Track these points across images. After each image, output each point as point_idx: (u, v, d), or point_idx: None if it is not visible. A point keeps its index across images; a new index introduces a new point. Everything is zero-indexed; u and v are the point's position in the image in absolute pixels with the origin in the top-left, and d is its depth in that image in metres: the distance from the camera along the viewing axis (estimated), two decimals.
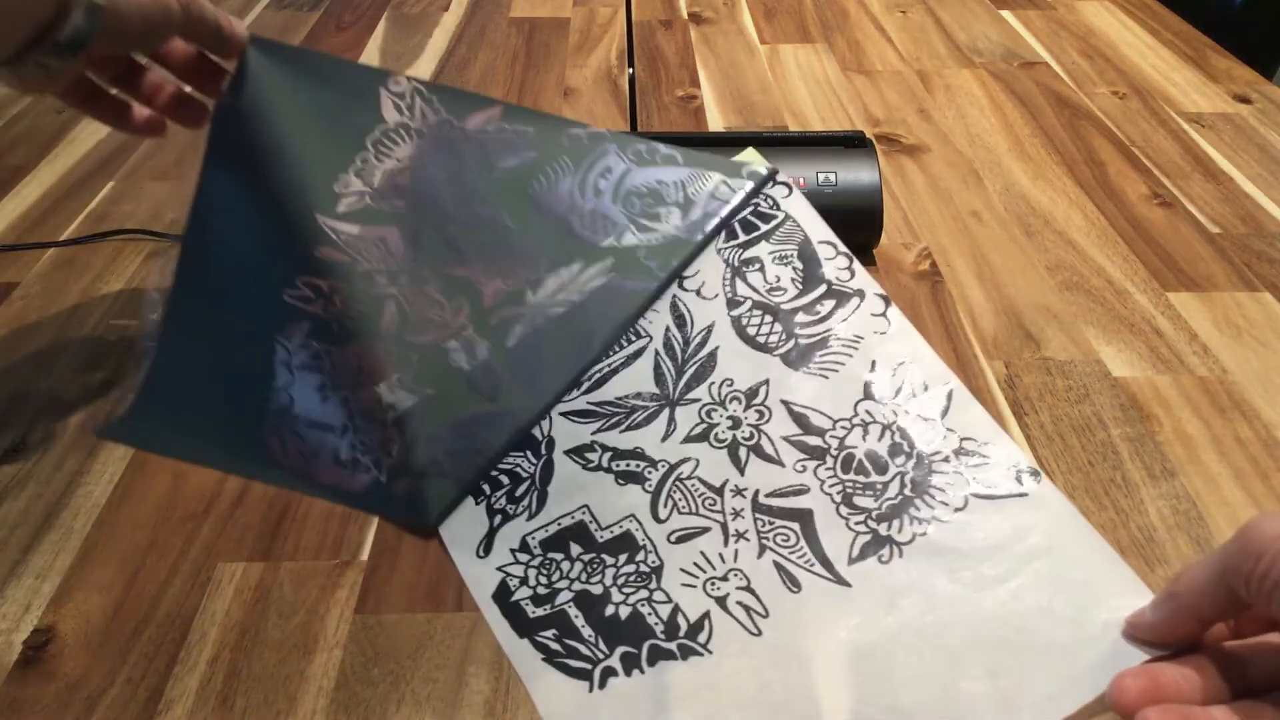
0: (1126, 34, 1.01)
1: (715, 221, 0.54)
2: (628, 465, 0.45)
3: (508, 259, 0.51)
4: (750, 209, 0.53)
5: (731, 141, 0.66)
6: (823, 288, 0.50)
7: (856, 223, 0.64)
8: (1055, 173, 0.76)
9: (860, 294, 0.50)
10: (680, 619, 0.41)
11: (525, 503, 0.44)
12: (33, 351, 0.58)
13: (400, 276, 0.48)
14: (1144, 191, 0.74)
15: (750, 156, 0.56)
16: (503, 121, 0.53)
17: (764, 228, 0.52)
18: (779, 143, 0.66)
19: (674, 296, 0.50)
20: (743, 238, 0.52)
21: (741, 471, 0.45)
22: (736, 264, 0.51)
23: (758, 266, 0.51)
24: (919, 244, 0.68)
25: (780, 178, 0.55)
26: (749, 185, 0.55)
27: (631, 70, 0.93)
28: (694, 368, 0.48)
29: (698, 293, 0.50)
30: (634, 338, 0.49)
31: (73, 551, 0.46)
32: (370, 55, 0.97)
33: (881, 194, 0.63)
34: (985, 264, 0.66)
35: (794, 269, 0.51)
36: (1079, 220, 0.71)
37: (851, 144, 0.65)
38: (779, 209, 0.53)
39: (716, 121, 0.84)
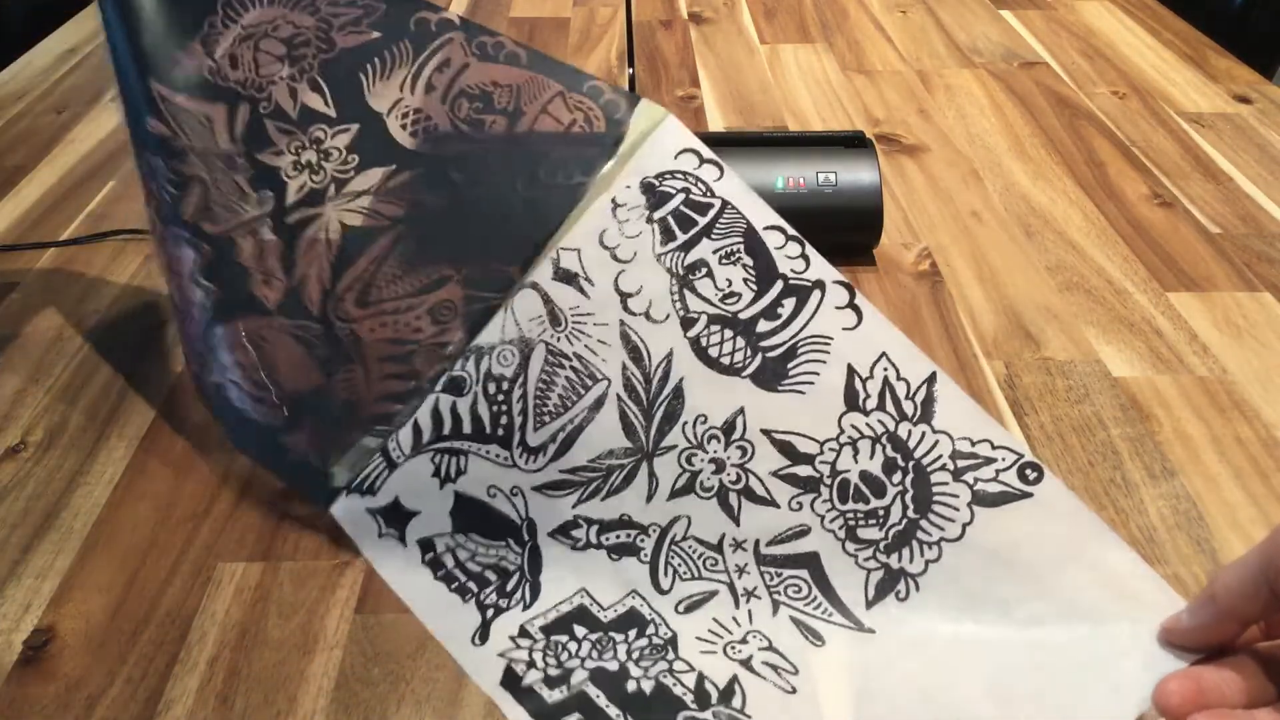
0: (1126, 34, 1.01)
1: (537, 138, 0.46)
2: (618, 537, 0.43)
3: (318, 149, 0.46)
4: (681, 196, 0.46)
5: (732, 141, 0.66)
6: (779, 285, 0.45)
7: (856, 223, 0.64)
8: (1055, 173, 0.76)
9: (820, 285, 0.44)
10: (709, 686, 0.39)
11: (518, 596, 0.42)
12: (33, 351, 0.58)
13: (214, 159, 0.45)
14: (1144, 191, 0.74)
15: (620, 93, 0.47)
16: None
17: (701, 221, 0.45)
18: (779, 143, 0.66)
19: (622, 323, 0.45)
20: (681, 237, 0.46)
21: (736, 521, 0.43)
22: (681, 272, 0.45)
23: (705, 271, 0.45)
24: (919, 244, 0.68)
25: (707, 155, 0.46)
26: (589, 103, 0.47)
27: (631, 70, 0.93)
28: (662, 409, 0.44)
29: (646, 315, 0.45)
30: (589, 381, 0.44)
31: (73, 551, 0.46)
32: None
33: (881, 194, 0.63)
34: (985, 264, 0.66)
35: (744, 267, 0.45)
36: (1079, 220, 0.71)
37: (851, 144, 0.65)
38: (714, 195, 0.46)
39: (717, 121, 0.84)
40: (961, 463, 0.42)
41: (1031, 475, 0.41)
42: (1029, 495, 0.41)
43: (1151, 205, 0.72)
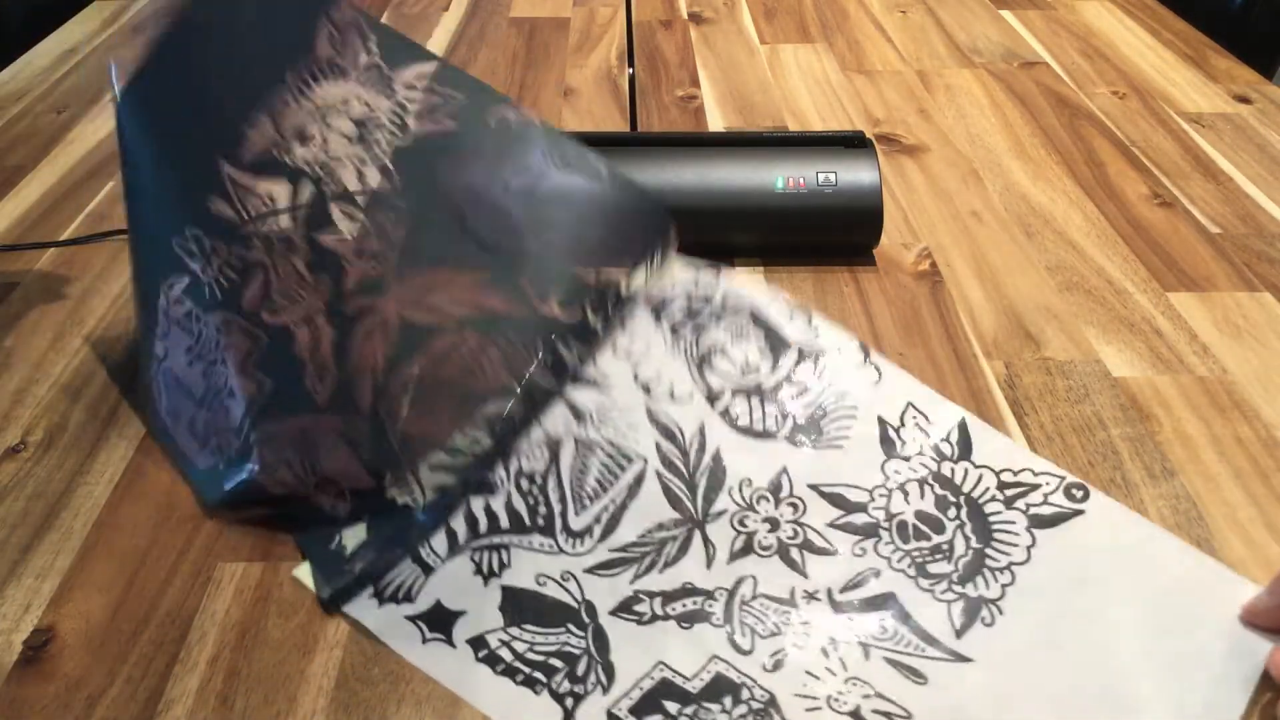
0: (1126, 34, 1.01)
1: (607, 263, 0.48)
2: (684, 605, 0.41)
3: (382, 239, 0.45)
4: (683, 298, 0.48)
5: (732, 142, 0.66)
6: (794, 353, 0.47)
7: (856, 223, 0.64)
8: (1055, 173, 0.76)
9: (836, 349, 0.47)
10: None
11: (592, 679, 0.39)
12: (33, 351, 0.58)
13: (274, 241, 0.44)
14: (1144, 191, 0.74)
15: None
16: (433, 82, 0.48)
17: (706, 309, 0.48)
18: (779, 143, 0.66)
19: (648, 408, 0.45)
20: (690, 325, 0.47)
21: (804, 574, 0.42)
22: (697, 357, 0.47)
23: (720, 352, 0.47)
24: (919, 244, 0.68)
25: (702, 262, 0.49)
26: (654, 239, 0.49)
27: (631, 70, 0.93)
28: (705, 479, 0.44)
29: (670, 396, 0.46)
30: (624, 462, 0.44)
31: (73, 551, 0.46)
32: None
33: (881, 194, 0.63)
34: (985, 264, 0.66)
35: (757, 342, 0.47)
36: (1079, 220, 0.71)
37: (851, 144, 0.65)
38: (715, 286, 0.49)
39: (717, 121, 0.84)
40: (1009, 492, 0.43)
41: (1079, 494, 0.43)
42: (1081, 512, 0.43)
43: (1151, 205, 0.72)
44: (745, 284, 0.49)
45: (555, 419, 0.46)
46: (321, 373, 0.44)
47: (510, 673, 0.39)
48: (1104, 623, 0.40)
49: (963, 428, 0.45)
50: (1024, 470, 0.44)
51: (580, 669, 0.39)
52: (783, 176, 0.63)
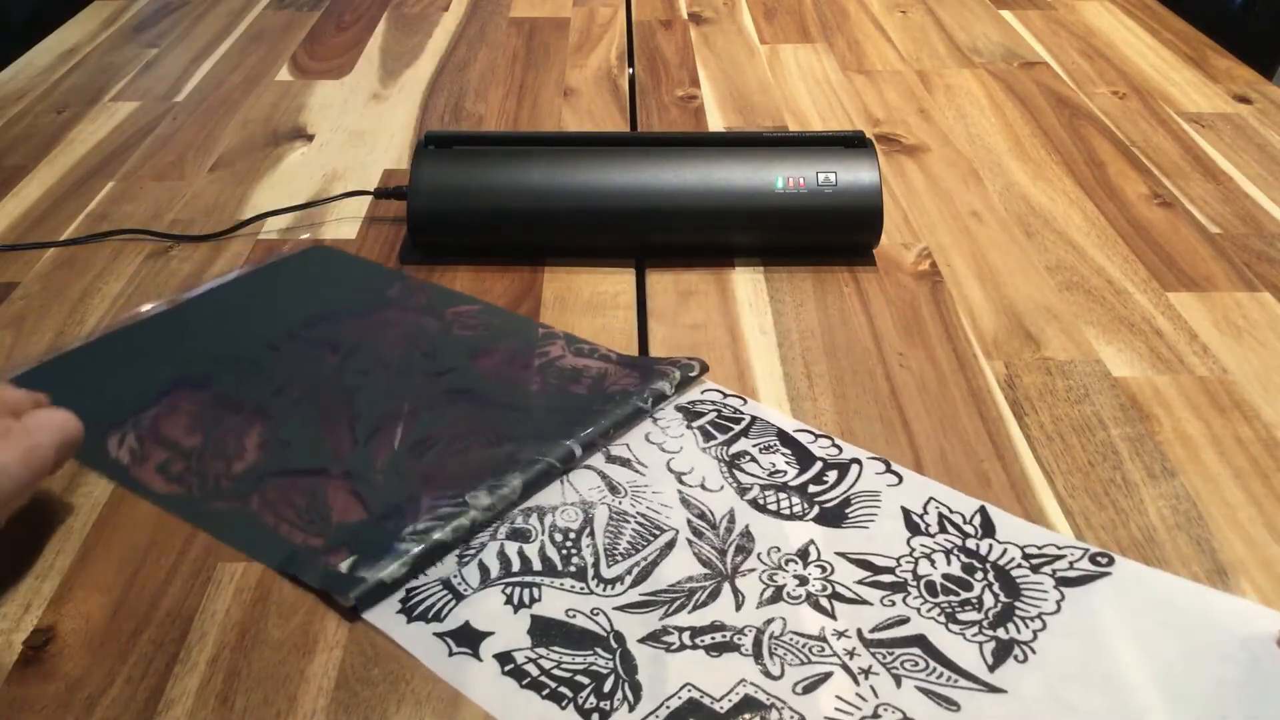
0: (1126, 34, 1.01)
1: (624, 394, 0.53)
2: (713, 638, 0.41)
3: (404, 395, 0.54)
4: (713, 414, 0.52)
5: (732, 141, 0.66)
6: (819, 464, 0.49)
7: (856, 223, 0.64)
8: (1055, 173, 0.76)
9: (857, 461, 0.50)
10: None
11: (619, 696, 0.39)
12: (33, 351, 0.58)
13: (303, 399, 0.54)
14: (1144, 191, 0.74)
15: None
16: (477, 312, 0.60)
17: (735, 428, 0.51)
18: (779, 143, 0.66)
19: (680, 492, 0.48)
20: (720, 437, 0.51)
21: (833, 616, 0.42)
22: (727, 459, 0.50)
23: (749, 458, 0.50)
24: (919, 244, 0.68)
25: (730, 392, 0.54)
26: (675, 375, 0.54)
27: (631, 70, 0.93)
28: (733, 547, 0.45)
29: (702, 486, 0.48)
30: (657, 532, 0.46)
31: (73, 551, 0.46)
32: (370, 55, 0.97)
33: (881, 194, 0.63)
34: (985, 264, 0.66)
35: (783, 455, 0.50)
36: (1079, 220, 0.71)
37: (851, 144, 0.65)
38: (742, 413, 0.53)
39: (716, 121, 0.84)
40: (1035, 560, 0.44)
41: (1103, 561, 0.44)
42: (1109, 574, 0.44)
43: (1151, 205, 0.72)
44: (768, 412, 0.53)
45: (590, 488, 0.49)
46: (337, 444, 0.51)
47: (536, 686, 0.40)
48: (1141, 662, 0.40)
49: (984, 513, 0.47)
50: (1048, 545, 0.45)
51: (607, 687, 0.39)
52: (783, 176, 0.63)
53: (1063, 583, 0.43)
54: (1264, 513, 0.48)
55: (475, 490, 0.47)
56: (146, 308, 0.61)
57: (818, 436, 0.51)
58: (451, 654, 0.41)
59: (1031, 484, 0.49)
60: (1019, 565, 0.44)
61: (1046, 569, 0.44)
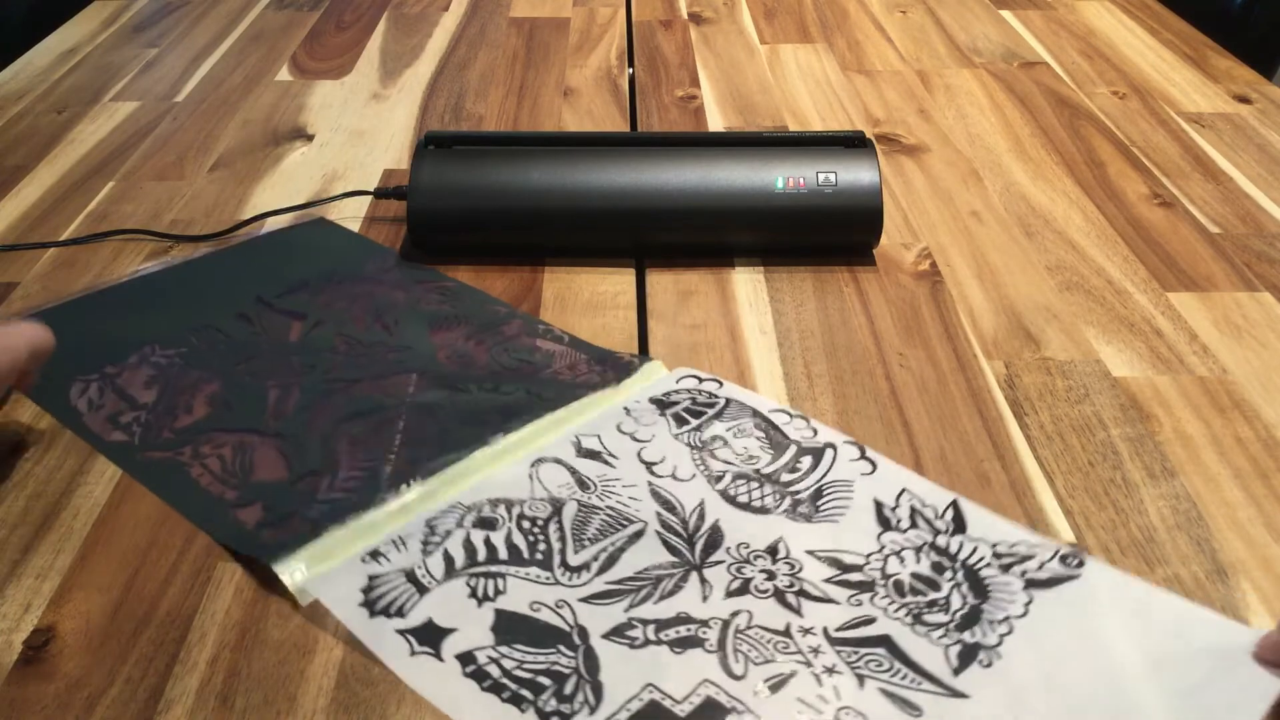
0: (1126, 34, 1.01)
1: (562, 385, 0.54)
2: (678, 632, 0.41)
3: (363, 355, 0.56)
4: (687, 400, 0.53)
5: (732, 141, 0.66)
6: (793, 449, 0.49)
7: (856, 223, 0.64)
8: (1055, 173, 0.76)
9: (831, 446, 0.49)
10: None
11: (580, 699, 0.39)
12: None
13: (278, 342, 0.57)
14: (1144, 191, 0.74)
15: (653, 370, 0.55)
16: (448, 288, 0.62)
17: (709, 412, 0.52)
18: (779, 143, 0.66)
19: (650, 484, 0.48)
20: (693, 422, 0.51)
21: (799, 613, 0.42)
22: (699, 445, 0.50)
23: (722, 443, 0.50)
24: (919, 244, 0.68)
25: (706, 376, 0.54)
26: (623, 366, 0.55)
27: (631, 70, 0.93)
28: (703, 539, 0.45)
29: (673, 476, 0.48)
30: (625, 523, 0.46)
31: (73, 551, 0.46)
32: (370, 55, 0.97)
33: (881, 194, 0.63)
34: (985, 264, 0.66)
35: (757, 439, 0.50)
36: (1079, 220, 0.71)
37: (851, 144, 0.65)
38: (716, 397, 0.53)
39: (716, 121, 0.84)
40: (1005, 560, 0.44)
41: (1073, 561, 0.44)
42: (1077, 576, 0.43)
43: (1151, 205, 0.72)
44: (743, 394, 0.53)
45: (559, 484, 0.49)
46: (279, 416, 0.52)
47: (497, 689, 0.39)
48: (1106, 669, 0.39)
49: (955, 507, 0.47)
50: (1019, 543, 0.45)
51: (568, 688, 0.39)
52: (783, 176, 0.63)
53: (1032, 584, 0.43)
54: (1264, 513, 0.48)
55: (384, 466, 0.49)
56: (148, 266, 0.64)
57: (793, 417, 0.51)
58: (414, 653, 0.41)
59: (1031, 484, 0.49)
60: (988, 565, 0.44)
61: (1016, 569, 0.44)
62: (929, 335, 0.59)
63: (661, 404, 0.53)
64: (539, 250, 0.66)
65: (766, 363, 0.57)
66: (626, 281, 0.64)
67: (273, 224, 0.70)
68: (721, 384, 0.53)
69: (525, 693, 0.39)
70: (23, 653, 0.41)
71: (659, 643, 0.41)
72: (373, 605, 0.43)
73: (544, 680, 0.39)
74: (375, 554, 0.45)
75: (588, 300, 0.62)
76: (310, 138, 0.81)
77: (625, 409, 0.53)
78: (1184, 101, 0.87)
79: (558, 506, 0.47)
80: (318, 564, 0.44)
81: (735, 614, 0.42)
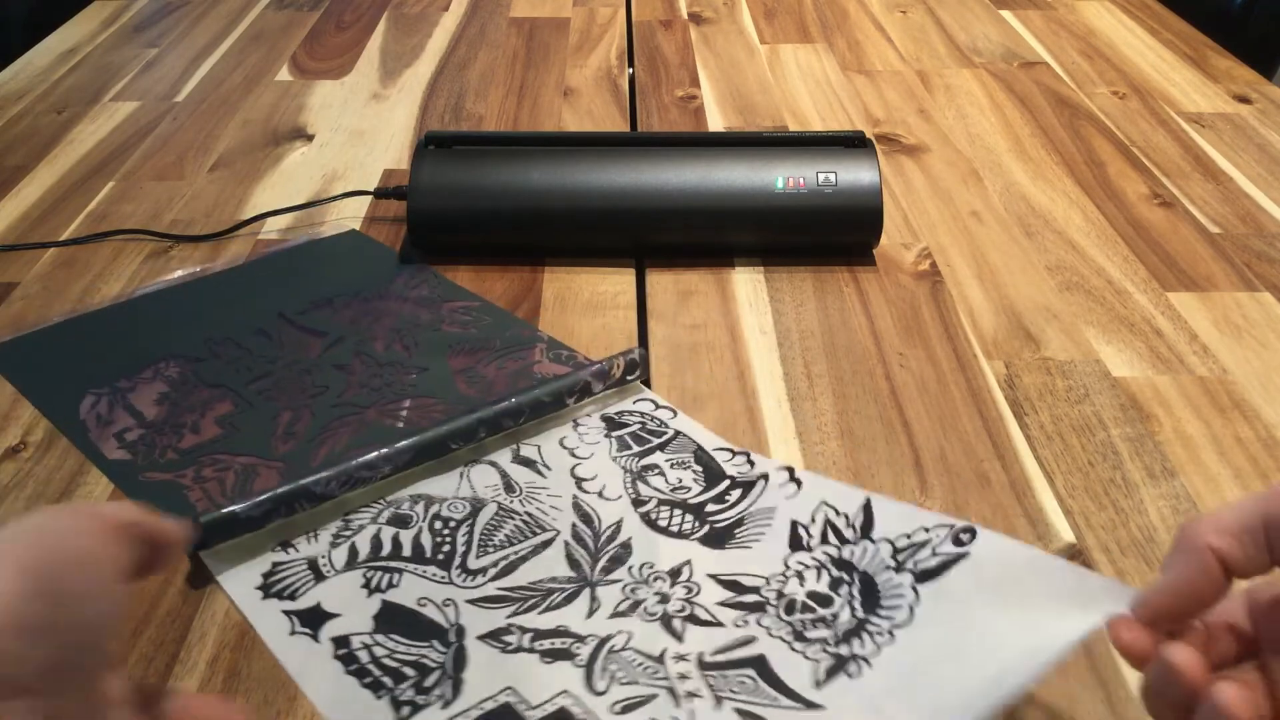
0: (1126, 34, 1.01)
1: (545, 380, 0.53)
2: (552, 644, 0.41)
3: (376, 374, 0.56)
4: (638, 425, 0.52)
5: (732, 141, 0.66)
6: (726, 482, 0.49)
7: (856, 223, 0.64)
8: (1055, 173, 0.76)
9: (765, 477, 0.49)
10: None
11: (438, 692, 0.39)
12: None
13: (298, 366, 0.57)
14: (1144, 191, 0.74)
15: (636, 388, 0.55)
16: (474, 309, 0.61)
17: (655, 441, 0.51)
18: (779, 143, 0.66)
19: (575, 497, 0.48)
20: (635, 448, 0.51)
21: (680, 639, 0.41)
22: (635, 470, 0.49)
23: (657, 471, 0.49)
24: (919, 244, 0.68)
25: (663, 403, 0.53)
26: (610, 369, 0.54)
27: (631, 70, 0.93)
28: (608, 554, 0.45)
29: (600, 495, 0.48)
30: (538, 530, 0.46)
31: None
32: (370, 55, 0.97)
33: (881, 194, 0.63)
34: (985, 264, 0.66)
35: (694, 471, 0.49)
36: (1079, 220, 0.71)
37: (851, 144, 0.65)
38: (666, 427, 0.52)
39: (716, 121, 0.84)
40: (901, 556, 0.43)
41: (965, 538, 0.42)
42: (965, 555, 0.41)
43: (1151, 205, 0.72)
44: (693, 428, 0.52)
45: (486, 485, 0.49)
46: (292, 435, 0.52)
47: (360, 674, 0.40)
48: (977, 662, 0.38)
49: (866, 508, 0.46)
50: (917, 530, 0.44)
51: (430, 681, 0.40)
52: (783, 176, 0.63)
53: (920, 578, 0.42)
54: None
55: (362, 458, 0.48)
56: (177, 274, 0.64)
57: (735, 454, 0.50)
58: (293, 633, 0.42)
59: (1031, 484, 0.49)
60: (886, 567, 0.43)
61: (910, 562, 0.43)
62: (929, 335, 0.59)
63: (611, 423, 0.52)
64: (539, 250, 0.66)
65: (766, 363, 0.57)
66: (626, 281, 0.64)
67: (307, 234, 0.70)
68: (675, 414, 0.53)
69: (387, 680, 0.40)
70: None
71: (531, 650, 0.41)
72: (268, 589, 0.44)
73: (408, 671, 0.40)
74: (286, 544, 0.46)
75: (588, 300, 0.62)
76: (310, 138, 0.81)
77: (574, 422, 0.52)
78: (1184, 101, 0.87)
79: (476, 508, 0.48)
80: (235, 554, 0.45)
81: (615, 634, 0.42)
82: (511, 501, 0.48)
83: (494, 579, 0.44)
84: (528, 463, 0.50)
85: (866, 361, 0.57)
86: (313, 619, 0.42)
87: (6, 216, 0.71)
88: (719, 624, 0.42)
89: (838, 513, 0.46)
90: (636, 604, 0.43)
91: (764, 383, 0.56)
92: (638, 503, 0.48)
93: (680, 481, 0.49)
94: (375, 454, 0.48)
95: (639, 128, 0.83)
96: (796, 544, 0.45)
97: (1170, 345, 0.59)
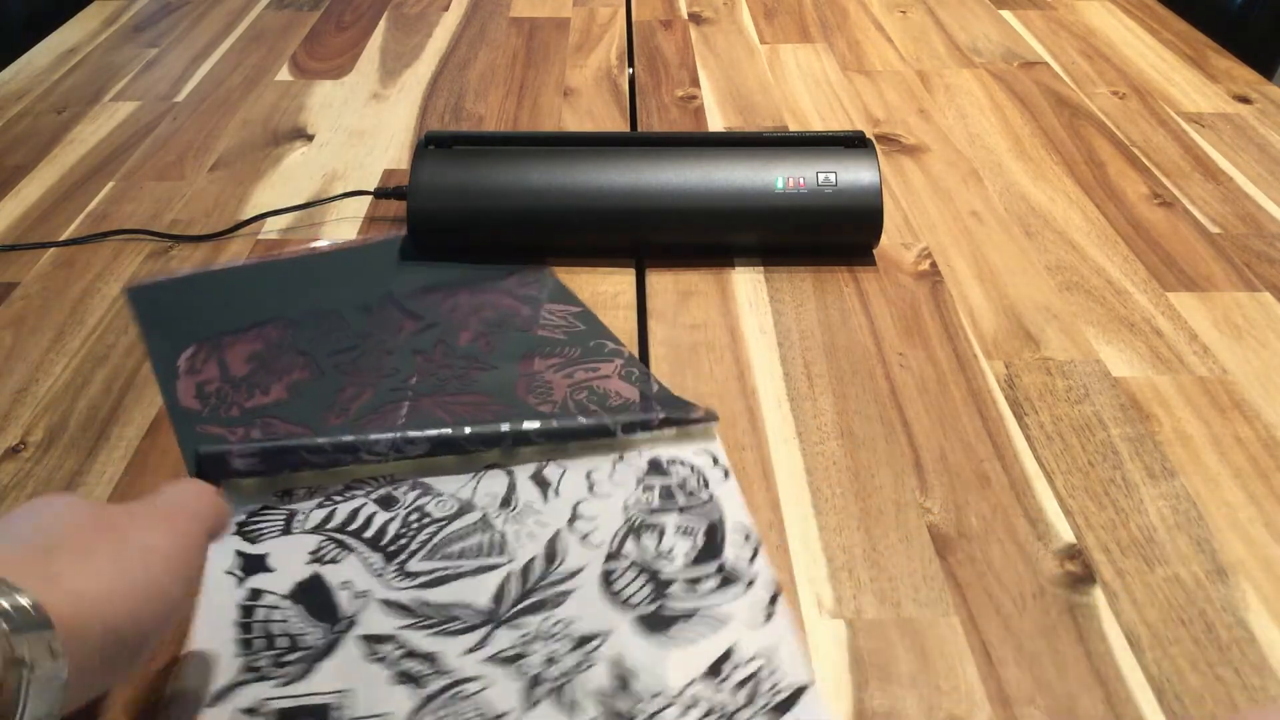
0: (1126, 34, 1.01)
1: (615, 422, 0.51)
2: (415, 668, 0.40)
3: (446, 365, 0.56)
4: (678, 478, 0.49)
5: (732, 141, 0.66)
6: (714, 566, 0.45)
7: (856, 223, 0.64)
8: (1055, 173, 0.76)
9: (750, 581, 0.44)
10: None
11: (288, 671, 0.40)
12: (33, 351, 0.58)
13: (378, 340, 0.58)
14: (1144, 191, 0.74)
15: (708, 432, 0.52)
16: (571, 314, 0.60)
17: (682, 502, 0.48)
18: (779, 143, 0.66)
19: (558, 531, 0.46)
20: (655, 503, 0.48)
21: (531, 707, 0.39)
22: (638, 525, 0.47)
23: (658, 533, 0.47)
24: (919, 244, 0.68)
25: (723, 461, 0.50)
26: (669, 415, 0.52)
27: (631, 70, 0.93)
28: (539, 597, 0.43)
29: (583, 537, 0.46)
30: (496, 554, 0.45)
31: None
32: (370, 55, 0.97)
33: (881, 194, 0.63)
34: (985, 264, 0.66)
35: (694, 544, 0.46)
36: (1079, 220, 0.71)
37: (851, 144, 0.65)
38: (706, 489, 0.49)
39: (717, 121, 0.84)
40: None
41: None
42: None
43: (1151, 205, 0.72)
44: (732, 500, 0.48)
45: (487, 493, 0.49)
46: (344, 411, 0.53)
47: (244, 628, 0.42)
48: None
49: (798, 693, 0.40)
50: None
51: (290, 658, 0.41)
52: (783, 176, 0.63)
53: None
54: (1264, 513, 0.48)
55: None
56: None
57: (748, 540, 0.46)
58: (228, 571, 0.44)
59: (1031, 484, 0.49)
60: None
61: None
62: (929, 335, 0.59)
63: (654, 468, 0.50)
64: (539, 250, 0.66)
65: (766, 363, 0.57)
66: (626, 281, 0.64)
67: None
68: (727, 476, 0.50)
69: (259, 642, 0.41)
70: None
71: (390, 666, 0.41)
72: (243, 526, 0.46)
73: (282, 642, 0.41)
74: (288, 492, 0.47)
75: (588, 300, 0.62)
76: (310, 138, 0.81)
77: (620, 455, 0.51)
78: (1184, 101, 0.87)
79: (460, 512, 0.47)
80: (240, 495, 0.47)
81: (474, 679, 0.40)
82: (497, 517, 0.47)
83: (417, 587, 0.44)
84: (543, 483, 0.49)
85: (866, 361, 0.57)
86: (250, 565, 0.44)
87: (6, 216, 0.71)
88: (582, 712, 0.39)
89: (769, 674, 0.41)
90: (519, 657, 0.41)
91: (764, 383, 0.56)
92: (611, 556, 0.46)
93: (672, 548, 0.46)
94: (386, 436, 0.48)
95: (639, 128, 0.83)
96: (714, 672, 0.41)
97: (1170, 345, 0.59)
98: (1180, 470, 0.50)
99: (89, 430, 0.52)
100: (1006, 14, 1.06)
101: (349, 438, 0.48)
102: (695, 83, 0.90)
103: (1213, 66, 0.94)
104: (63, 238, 0.68)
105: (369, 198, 0.72)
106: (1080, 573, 0.45)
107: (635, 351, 0.58)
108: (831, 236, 0.65)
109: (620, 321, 0.60)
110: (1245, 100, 0.87)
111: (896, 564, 0.46)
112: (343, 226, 0.69)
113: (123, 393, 0.55)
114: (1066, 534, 0.47)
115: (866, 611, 0.44)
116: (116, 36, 1.01)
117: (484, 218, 0.64)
